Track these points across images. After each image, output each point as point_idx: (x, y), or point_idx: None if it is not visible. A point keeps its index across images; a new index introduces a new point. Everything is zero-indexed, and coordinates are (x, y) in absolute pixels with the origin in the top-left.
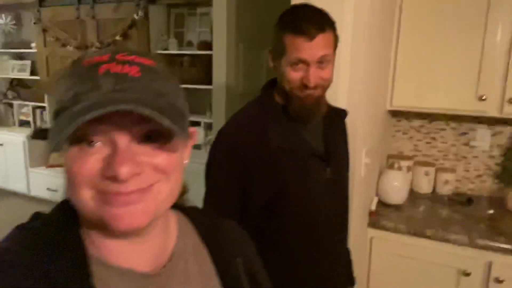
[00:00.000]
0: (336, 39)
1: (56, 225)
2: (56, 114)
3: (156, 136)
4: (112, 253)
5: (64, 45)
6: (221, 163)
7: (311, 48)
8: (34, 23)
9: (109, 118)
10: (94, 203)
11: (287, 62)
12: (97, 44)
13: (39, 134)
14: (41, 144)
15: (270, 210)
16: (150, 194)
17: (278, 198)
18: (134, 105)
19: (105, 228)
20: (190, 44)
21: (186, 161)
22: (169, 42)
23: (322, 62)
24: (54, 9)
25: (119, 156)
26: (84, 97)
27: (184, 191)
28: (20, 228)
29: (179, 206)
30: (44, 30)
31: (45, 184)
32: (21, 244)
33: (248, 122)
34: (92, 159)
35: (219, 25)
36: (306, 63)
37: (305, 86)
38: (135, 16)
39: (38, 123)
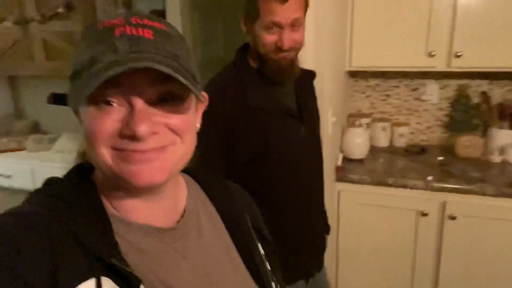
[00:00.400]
0: (306, 2)
1: (76, 188)
2: (74, 76)
3: (170, 98)
4: (129, 211)
5: (0, 21)
6: (206, 129)
7: (285, 11)
8: None
9: (126, 79)
10: (113, 161)
11: (261, 25)
12: (38, 17)
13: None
14: None
15: (254, 167)
16: (166, 154)
17: (260, 155)
18: (153, 64)
19: (124, 185)
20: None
21: (198, 125)
22: (117, 12)
23: (295, 25)
24: None
25: (136, 116)
26: (101, 57)
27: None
28: (39, 192)
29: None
30: None
31: None
32: (46, 207)
33: (227, 87)
34: (110, 119)
35: None
36: (279, 26)
37: (279, 49)
38: None
39: None
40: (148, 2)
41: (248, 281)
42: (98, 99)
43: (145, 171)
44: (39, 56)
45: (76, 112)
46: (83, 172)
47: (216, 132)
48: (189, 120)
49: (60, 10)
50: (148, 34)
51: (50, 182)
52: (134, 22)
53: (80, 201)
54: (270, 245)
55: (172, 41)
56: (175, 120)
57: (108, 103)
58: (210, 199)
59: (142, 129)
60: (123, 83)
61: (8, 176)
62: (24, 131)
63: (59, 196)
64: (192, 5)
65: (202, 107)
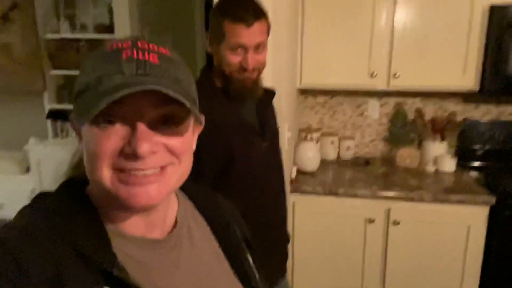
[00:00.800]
0: (269, 26)
1: (71, 202)
2: (79, 95)
3: (171, 119)
4: (125, 224)
5: None
6: None
7: (249, 34)
8: None
9: (130, 100)
10: (112, 183)
11: (226, 46)
12: None
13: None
14: None
15: (218, 182)
16: (163, 176)
17: (226, 169)
18: (160, 87)
19: (120, 204)
20: (84, 27)
21: (194, 147)
22: (60, 25)
23: (259, 47)
24: None
25: (138, 135)
26: (107, 79)
27: None
28: (33, 206)
29: None
30: None
31: None
32: (45, 221)
33: None
34: (112, 138)
35: (121, 8)
36: (244, 48)
37: (244, 69)
38: None
39: None
40: (94, 16)
41: None
42: (101, 118)
43: (142, 194)
44: None
45: (74, 126)
46: (76, 186)
47: None
48: (187, 142)
49: None
50: (153, 58)
51: (44, 196)
52: (140, 46)
53: (77, 214)
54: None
55: (176, 66)
56: (174, 141)
57: (111, 122)
58: (199, 211)
59: (143, 148)
60: (127, 104)
61: None
62: None
63: (56, 210)
64: (142, 20)
65: (199, 130)
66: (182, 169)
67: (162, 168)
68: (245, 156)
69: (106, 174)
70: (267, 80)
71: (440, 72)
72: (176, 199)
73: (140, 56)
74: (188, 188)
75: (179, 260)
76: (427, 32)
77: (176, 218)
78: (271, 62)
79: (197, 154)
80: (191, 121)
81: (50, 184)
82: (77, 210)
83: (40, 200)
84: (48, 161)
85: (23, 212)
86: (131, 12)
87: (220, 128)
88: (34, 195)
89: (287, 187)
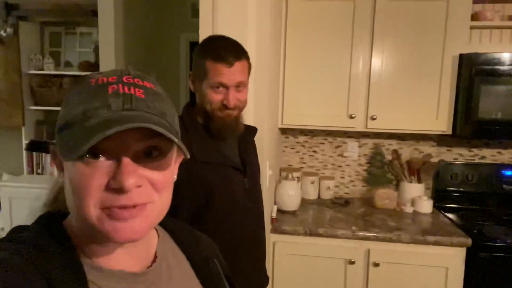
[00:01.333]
0: (249, 66)
1: (48, 236)
2: (63, 128)
3: (154, 152)
4: (103, 258)
5: None
6: None
7: (230, 73)
8: None
9: (116, 135)
10: (98, 219)
11: (208, 85)
12: None
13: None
14: None
15: (198, 219)
16: (145, 211)
17: (205, 207)
18: (149, 124)
19: (103, 239)
20: (68, 64)
21: (175, 177)
22: (44, 62)
23: (239, 86)
24: None
25: (124, 169)
26: (94, 113)
27: None
28: (11, 240)
29: None
30: None
31: None
32: (19, 255)
33: None
34: (97, 173)
35: (106, 47)
36: (225, 86)
37: (225, 106)
38: (2, 33)
39: None
40: (79, 54)
41: None
42: (86, 151)
43: (126, 228)
44: None
45: (55, 160)
46: (53, 219)
47: None
48: (170, 176)
49: None
50: (139, 93)
51: (20, 230)
52: (125, 81)
53: (53, 248)
54: None
55: (160, 99)
56: (157, 176)
57: (96, 156)
58: (179, 246)
59: (128, 182)
60: (113, 138)
61: None
62: None
63: (31, 244)
64: (127, 59)
65: (179, 160)
66: (162, 204)
67: (144, 205)
68: (224, 192)
69: (92, 211)
70: (249, 118)
71: (414, 115)
72: (155, 233)
73: (126, 90)
74: (168, 223)
75: None
76: (402, 77)
77: (156, 252)
78: (253, 101)
79: (176, 190)
80: (174, 153)
81: (23, 222)
82: (53, 245)
83: (16, 234)
84: (20, 199)
85: (1, 245)
86: (116, 51)
87: (200, 165)
88: (4, 234)
89: (268, 226)
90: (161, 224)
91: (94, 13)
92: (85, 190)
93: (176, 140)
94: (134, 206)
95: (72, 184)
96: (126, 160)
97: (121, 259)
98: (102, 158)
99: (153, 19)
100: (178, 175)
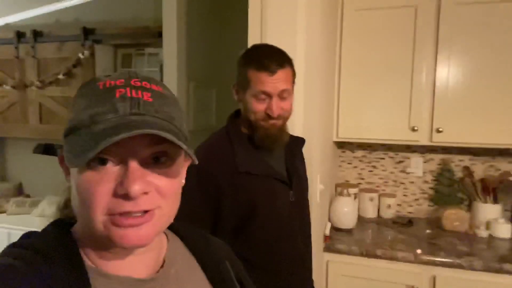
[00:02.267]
0: (294, 74)
1: (54, 242)
2: (70, 132)
3: (162, 157)
4: (110, 264)
5: (0, 84)
6: (193, 190)
7: (273, 81)
8: None
9: (123, 141)
10: (105, 226)
11: (251, 94)
12: (37, 83)
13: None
14: None
15: (241, 231)
16: (152, 217)
17: (248, 219)
18: (158, 129)
19: (110, 243)
20: None
21: (183, 181)
22: (116, 73)
23: (283, 94)
24: None
25: (130, 175)
26: (101, 118)
27: None
28: (16, 245)
29: None
30: None
31: None
32: (22, 261)
33: (218, 151)
34: (105, 180)
35: (170, 64)
36: (268, 95)
37: (269, 116)
38: (80, 55)
39: None
40: (147, 73)
41: None
42: (93, 158)
43: (132, 234)
44: (33, 119)
45: (63, 164)
46: (62, 225)
47: (204, 193)
48: (177, 183)
49: (60, 76)
50: (146, 96)
51: (28, 236)
52: (133, 84)
53: (57, 254)
54: None
55: (169, 103)
56: (164, 183)
57: (103, 162)
58: (190, 251)
59: (135, 188)
60: (120, 144)
61: None
62: (7, 193)
63: (36, 250)
64: (188, 76)
65: (187, 164)
66: (170, 211)
67: (151, 211)
68: (268, 204)
69: (99, 218)
70: (298, 129)
71: (488, 128)
72: (165, 239)
73: (134, 94)
74: (179, 228)
75: None
76: (472, 85)
77: (164, 258)
78: (302, 112)
79: (219, 201)
80: (182, 157)
81: None
82: (58, 251)
83: (25, 240)
84: None
85: (5, 251)
86: (179, 69)
87: (243, 176)
88: None
89: (320, 244)
90: (172, 229)
91: (161, 34)
92: (92, 196)
93: (184, 147)
94: (143, 212)
95: (79, 190)
96: (134, 166)
97: (128, 266)
98: (109, 164)
99: (213, 36)
100: (223, 187)
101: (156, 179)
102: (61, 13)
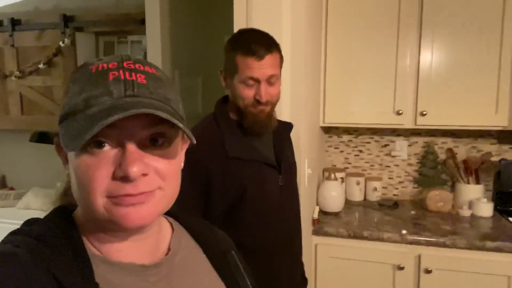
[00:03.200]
0: (281, 59)
1: (56, 229)
2: (65, 117)
3: (160, 138)
4: (112, 251)
5: None
6: (183, 178)
7: (261, 67)
8: None
9: (120, 122)
10: (105, 208)
11: (239, 80)
12: (17, 73)
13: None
14: None
15: (230, 215)
16: (154, 198)
17: (238, 204)
18: (153, 110)
19: (113, 227)
20: None
21: (182, 164)
22: (109, 57)
23: (271, 79)
24: None
25: (128, 157)
26: (95, 101)
27: None
28: (18, 233)
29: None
30: None
31: None
32: (25, 248)
33: (207, 137)
34: (103, 164)
35: (154, 52)
36: (257, 80)
37: (257, 102)
38: (61, 44)
39: None
40: None
41: None
42: (90, 140)
43: (134, 213)
44: (14, 110)
45: (59, 151)
46: (64, 212)
47: (194, 179)
48: (175, 164)
49: (41, 66)
50: (140, 78)
51: (30, 223)
52: (126, 67)
53: (60, 241)
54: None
55: (163, 85)
56: (163, 164)
57: (100, 145)
58: (195, 240)
59: (134, 170)
60: (117, 126)
61: None
62: None
63: (38, 237)
64: (173, 63)
65: (186, 146)
66: (171, 192)
67: (151, 191)
68: (257, 189)
69: (99, 202)
70: (285, 114)
71: (470, 110)
72: (169, 227)
73: (128, 76)
74: (184, 218)
75: None
76: (455, 69)
77: (169, 246)
78: (289, 97)
79: (208, 187)
80: (179, 138)
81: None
82: (60, 237)
83: (27, 226)
84: None
85: (6, 238)
86: (163, 57)
87: (232, 162)
88: None
89: (309, 227)
90: (177, 218)
91: (144, 22)
92: (91, 181)
93: (181, 125)
94: (141, 194)
95: (77, 175)
96: (131, 148)
97: (131, 252)
98: (106, 147)
99: (198, 23)
100: (212, 173)
101: (155, 161)
102: (40, 1)
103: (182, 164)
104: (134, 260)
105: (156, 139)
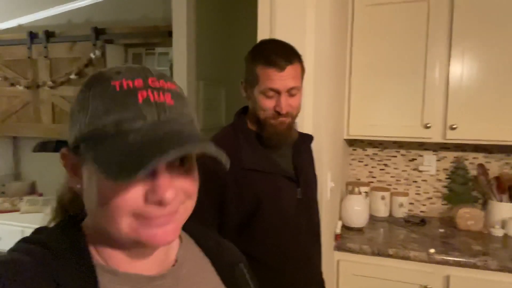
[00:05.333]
0: (303, 70)
1: (63, 237)
2: (90, 137)
3: (185, 159)
4: (119, 261)
5: (13, 85)
6: (199, 191)
7: (282, 78)
8: None
9: None
10: (131, 229)
11: (259, 91)
12: (50, 83)
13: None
14: None
15: (245, 228)
16: (177, 215)
17: (253, 216)
18: (199, 143)
19: (134, 244)
20: None
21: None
22: (127, 67)
23: (292, 91)
24: (4, 49)
25: (162, 182)
26: (129, 126)
27: None
28: (26, 240)
29: None
30: None
31: None
32: (31, 256)
33: (223, 147)
34: (135, 188)
35: (179, 63)
36: (277, 92)
37: (277, 113)
38: (92, 55)
39: None
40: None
41: None
42: None
43: (161, 233)
44: (45, 118)
45: (67, 162)
46: (74, 221)
47: (208, 190)
48: (197, 181)
49: (72, 76)
50: (169, 99)
51: (39, 231)
52: (152, 86)
53: (66, 250)
54: None
55: (186, 103)
56: (189, 183)
57: None
58: (204, 252)
59: (169, 195)
60: None
61: None
62: (20, 192)
63: (45, 244)
64: (198, 74)
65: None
66: (191, 206)
67: (176, 210)
68: (273, 201)
69: (124, 221)
70: (307, 125)
71: (503, 124)
72: (178, 238)
73: (157, 98)
74: (192, 229)
75: None
76: (488, 81)
77: (176, 257)
78: (311, 108)
79: (223, 197)
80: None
81: None
82: (66, 246)
83: (36, 235)
84: None
85: (15, 246)
86: (188, 68)
87: (248, 173)
88: None
89: (331, 242)
90: (185, 229)
91: (171, 34)
92: (120, 204)
93: (215, 153)
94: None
95: (103, 193)
96: (163, 172)
97: (138, 263)
98: None
99: (222, 35)
100: (227, 184)
101: (182, 182)
102: (73, 14)
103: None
104: (142, 271)
105: (183, 160)
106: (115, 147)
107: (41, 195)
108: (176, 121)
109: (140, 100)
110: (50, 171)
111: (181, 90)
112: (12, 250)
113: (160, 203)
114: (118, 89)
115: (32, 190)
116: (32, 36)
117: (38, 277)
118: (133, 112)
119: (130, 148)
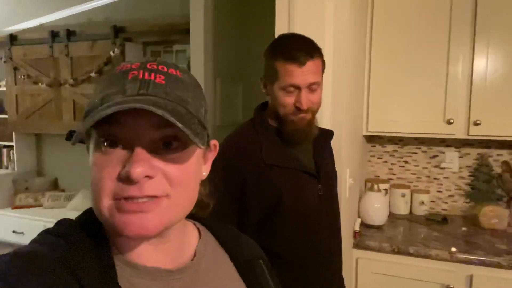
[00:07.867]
0: (323, 65)
1: (83, 229)
2: (84, 116)
3: (174, 142)
4: (136, 254)
5: (35, 83)
6: (219, 182)
7: (302, 74)
8: (4, 62)
9: (131, 120)
10: (109, 212)
11: (279, 87)
12: (71, 81)
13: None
14: (5, 184)
15: (267, 224)
16: (160, 207)
17: (274, 212)
18: (149, 106)
19: (116, 232)
20: None
21: (205, 174)
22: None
23: (312, 86)
24: (27, 48)
25: (134, 157)
26: (110, 99)
27: (206, 206)
28: (48, 232)
29: (196, 217)
30: (15, 68)
31: (11, 227)
32: (50, 247)
33: (244, 143)
34: (112, 162)
35: (197, 61)
36: (297, 87)
37: (298, 109)
38: (111, 53)
39: (5, 162)
40: None
41: None
42: (103, 141)
43: (136, 222)
44: (67, 116)
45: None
46: (94, 214)
47: (229, 186)
48: (189, 171)
49: (92, 74)
50: (159, 79)
51: (61, 223)
52: (148, 67)
53: (85, 242)
54: None
55: (184, 87)
56: (173, 169)
57: (113, 145)
58: (223, 247)
59: (137, 171)
60: (127, 125)
61: (21, 233)
62: (43, 187)
63: (65, 236)
64: (215, 71)
65: (212, 156)
66: (181, 201)
67: (158, 198)
68: (295, 197)
69: (105, 203)
70: (327, 121)
71: None
72: (196, 232)
73: (146, 76)
74: (211, 224)
75: None
76: None
77: (195, 252)
78: (330, 104)
79: (245, 194)
80: (196, 147)
81: None
82: (86, 238)
83: (57, 226)
84: None
85: (38, 237)
86: (206, 66)
87: (269, 168)
88: None
89: (350, 239)
90: (205, 225)
91: (188, 31)
92: (99, 180)
93: (180, 125)
94: (149, 198)
95: (91, 174)
96: (138, 148)
97: (155, 256)
98: (119, 147)
99: (240, 31)
100: (248, 180)
101: (163, 164)
102: (93, 13)
103: (205, 174)
104: (159, 265)
105: (170, 143)
106: (89, 117)
107: (63, 190)
108: (157, 96)
109: (130, 77)
110: (72, 167)
111: (186, 78)
112: (33, 241)
113: (130, 179)
114: (117, 71)
115: (55, 186)
116: (54, 35)
117: (56, 269)
118: (117, 88)
119: (95, 114)
